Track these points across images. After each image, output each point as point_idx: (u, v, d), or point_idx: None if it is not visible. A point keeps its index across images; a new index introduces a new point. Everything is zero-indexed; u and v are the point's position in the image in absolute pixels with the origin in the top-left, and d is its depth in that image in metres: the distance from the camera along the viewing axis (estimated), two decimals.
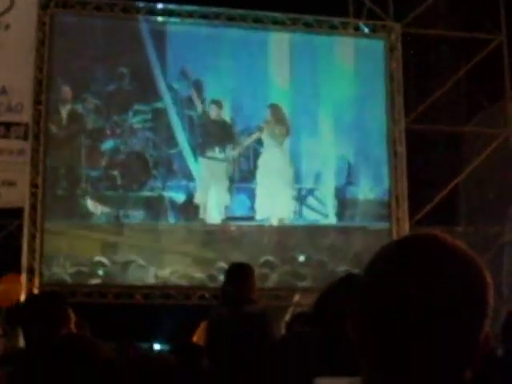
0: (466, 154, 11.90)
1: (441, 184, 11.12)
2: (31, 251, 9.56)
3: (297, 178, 10.53)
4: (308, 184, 10.61)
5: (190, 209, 10.21)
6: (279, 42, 10.77)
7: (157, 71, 10.24)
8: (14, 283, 9.13)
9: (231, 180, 10.37)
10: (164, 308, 10.41)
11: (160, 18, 10.55)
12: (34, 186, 9.64)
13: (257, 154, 10.45)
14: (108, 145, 10.08)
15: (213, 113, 10.37)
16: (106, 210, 9.99)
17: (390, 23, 11.09)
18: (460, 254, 1.15)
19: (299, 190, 10.54)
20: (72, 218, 9.90)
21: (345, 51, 10.93)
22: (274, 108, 10.57)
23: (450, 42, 12.32)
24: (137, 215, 10.04)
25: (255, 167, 10.40)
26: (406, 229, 10.56)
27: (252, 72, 10.58)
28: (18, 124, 9.53)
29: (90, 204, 9.93)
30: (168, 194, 10.12)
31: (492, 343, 1.15)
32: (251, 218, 10.36)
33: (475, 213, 11.68)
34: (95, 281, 9.88)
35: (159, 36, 10.41)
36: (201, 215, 10.24)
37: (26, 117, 9.59)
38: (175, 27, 10.56)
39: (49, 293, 4.44)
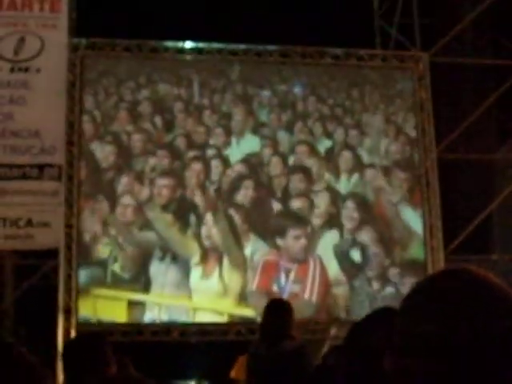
0: (498, 181, 11.81)
1: (474, 212, 11.02)
2: (67, 290, 9.56)
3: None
4: None
5: None
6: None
7: None
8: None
9: None
10: (201, 345, 10.31)
11: (189, 57, 10.58)
12: (68, 226, 9.68)
13: None
14: None
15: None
16: None
17: (418, 53, 11.08)
18: (492, 288, 1.13)
19: None
20: None
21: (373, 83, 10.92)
22: None
23: (478, 68, 12.26)
24: None
25: None
26: (440, 259, 10.47)
27: None
28: (51, 165, 9.58)
29: None
30: None
31: None
32: None
33: (510, 240, 11.54)
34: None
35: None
36: None
37: (59, 158, 9.65)
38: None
39: (89, 335, 4.17)
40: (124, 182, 10.08)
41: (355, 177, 10.57)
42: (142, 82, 10.38)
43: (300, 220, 10.23)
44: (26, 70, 9.68)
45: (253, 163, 10.34)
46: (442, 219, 10.65)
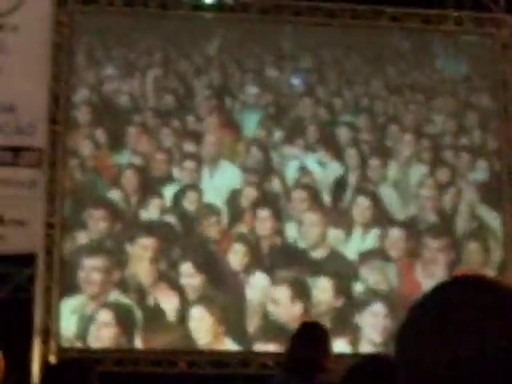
0: None
1: None
2: (46, 308, 8.24)
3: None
4: None
5: None
6: None
7: None
8: None
9: None
10: (216, 378, 8.73)
11: (209, 15, 8.89)
12: (48, 225, 8.33)
13: None
14: None
15: None
16: None
17: (501, 15, 9.34)
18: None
19: None
20: None
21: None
22: None
23: None
24: None
25: None
26: None
27: None
28: (29, 149, 8.32)
29: None
30: None
31: None
32: None
33: None
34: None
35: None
36: None
37: (39, 140, 8.35)
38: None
39: (71, 362, 3.81)
40: None
41: None
42: (148, 46, 8.86)
43: None
44: (0, 28, 8.36)
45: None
46: None
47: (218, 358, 8.37)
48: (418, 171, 8.92)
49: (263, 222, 8.45)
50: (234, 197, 8.54)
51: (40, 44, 8.35)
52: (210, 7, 8.87)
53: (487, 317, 1.03)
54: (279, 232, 8.44)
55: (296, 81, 9.06)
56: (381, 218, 8.65)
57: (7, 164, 8.24)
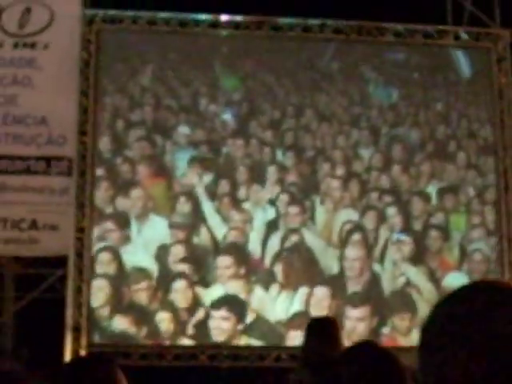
0: None
1: None
2: (77, 306, 8.43)
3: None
4: None
5: None
6: None
7: None
8: None
9: None
10: (233, 370, 8.98)
11: (224, 32, 9.11)
12: (79, 230, 8.54)
13: None
14: None
15: None
16: None
17: (497, 30, 9.56)
18: None
19: None
20: None
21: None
22: None
23: None
24: None
25: None
26: None
27: None
28: (60, 158, 8.48)
29: None
30: None
31: None
32: None
33: None
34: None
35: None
36: None
37: (69, 150, 8.52)
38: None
39: (94, 355, 3.95)
40: None
41: None
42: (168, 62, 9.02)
43: None
44: (32, 45, 8.57)
45: None
46: None
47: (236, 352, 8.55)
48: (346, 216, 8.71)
49: (183, 292, 8.38)
50: (162, 254, 8.43)
51: (69, 60, 8.54)
52: None
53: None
54: (200, 304, 8.39)
55: (227, 116, 8.86)
56: (308, 276, 8.53)
57: (40, 173, 8.39)
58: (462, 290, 1.07)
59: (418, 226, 8.84)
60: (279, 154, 8.76)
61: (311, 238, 8.57)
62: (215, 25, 9.07)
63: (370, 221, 8.71)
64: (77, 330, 8.39)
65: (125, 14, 8.93)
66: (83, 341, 8.36)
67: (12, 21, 8.51)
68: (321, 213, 8.66)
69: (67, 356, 8.24)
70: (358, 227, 8.67)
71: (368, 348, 2.31)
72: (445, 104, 9.22)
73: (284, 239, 8.54)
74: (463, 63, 9.37)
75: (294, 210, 8.59)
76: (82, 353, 8.27)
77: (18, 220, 8.31)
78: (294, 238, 8.55)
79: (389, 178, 8.86)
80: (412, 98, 9.20)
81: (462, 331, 1.00)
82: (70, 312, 8.40)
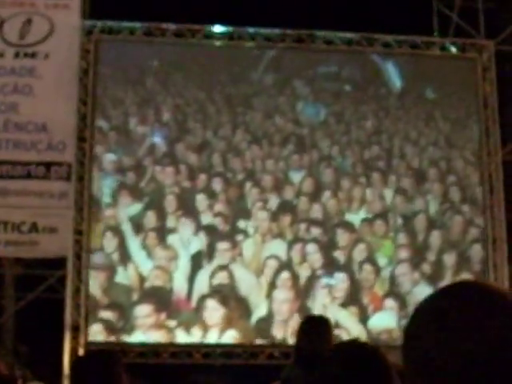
0: None
1: None
2: (75, 306, 8.66)
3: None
4: None
5: None
6: None
7: None
8: None
9: None
10: (227, 368, 9.20)
11: (218, 42, 9.39)
12: (78, 232, 8.78)
13: None
14: None
15: None
16: None
17: (482, 41, 9.82)
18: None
19: None
20: None
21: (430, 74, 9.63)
22: None
23: None
24: None
25: None
26: (504, 274, 9.23)
27: None
28: (59, 164, 8.65)
29: None
30: None
31: None
32: None
33: None
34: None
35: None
36: None
37: (68, 155, 8.71)
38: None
39: (100, 352, 3.73)
40: None
41: None
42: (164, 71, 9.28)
43: None
44: (33, 55, 8.78)
45: None
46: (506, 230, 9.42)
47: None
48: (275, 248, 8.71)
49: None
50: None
51: (69, 69, 8.73)
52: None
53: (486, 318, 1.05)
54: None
55: (157, 138, 8.93)
56: (236, 317, 8.65)
57: (40, 177, 8.56)
58: (449, 287, 1.14)
59: (346, 259, 8.78)
60: (207, 180, 8.81)
61: (240, 273, 8.60)
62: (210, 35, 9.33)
63: (297, 255, 8.71)
64: (75, 329, 8.60)
65: (122, 25, 9.18)
66: (81, 339, 8.57)
67: (13, 31, 8.72)
68: (249, 244, 8.69)
69: (66, 353, 8.45)
70: (285, 265, 8.67)
71: (356, 346, 2.35)
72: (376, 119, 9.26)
73: (211, 277, 8.59)
74: (393, 75, 9.45)
75: (222, 245, 8.66)
76: (81, 351, 8.44)
77: (19, 223, 8.48)
78: (222, 275, 8.59)
79: (319, 205, 8.85)
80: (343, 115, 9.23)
81: (447, 324, 1.06)
82: (68, 311, 8.61)
